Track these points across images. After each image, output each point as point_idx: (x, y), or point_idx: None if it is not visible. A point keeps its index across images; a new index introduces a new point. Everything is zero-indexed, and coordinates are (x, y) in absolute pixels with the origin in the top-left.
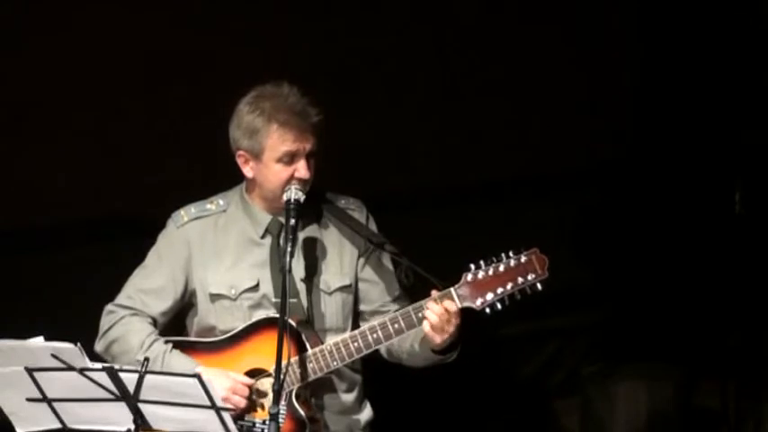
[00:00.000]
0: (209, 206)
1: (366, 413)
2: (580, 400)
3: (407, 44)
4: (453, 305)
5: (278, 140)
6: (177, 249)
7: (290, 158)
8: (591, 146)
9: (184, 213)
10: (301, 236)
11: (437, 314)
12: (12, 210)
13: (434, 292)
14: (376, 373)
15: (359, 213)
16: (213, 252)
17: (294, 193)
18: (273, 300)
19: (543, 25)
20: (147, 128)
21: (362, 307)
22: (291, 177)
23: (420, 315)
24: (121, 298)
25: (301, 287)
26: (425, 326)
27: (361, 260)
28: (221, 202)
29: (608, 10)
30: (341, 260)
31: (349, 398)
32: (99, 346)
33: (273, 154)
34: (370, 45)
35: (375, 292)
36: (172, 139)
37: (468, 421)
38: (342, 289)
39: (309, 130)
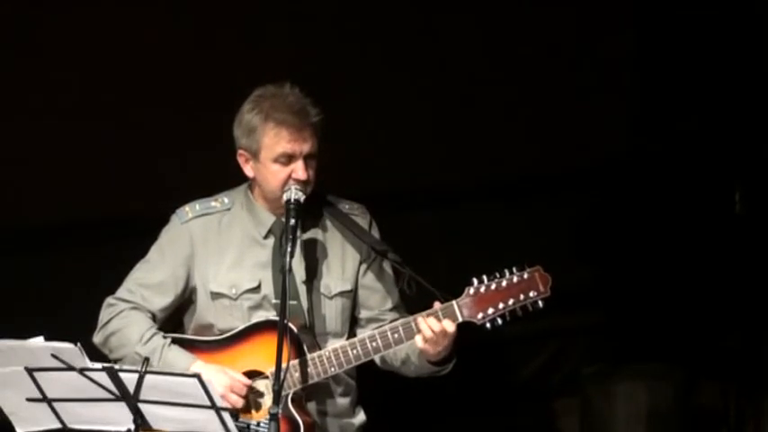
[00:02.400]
0: (213, 203)
1: (360, 417)
2: (580, 400)
3: (408, 44)
4: (452, 326)
5: (273, 139)
6: (180, 245)
7: (286, 159)
8: (591, 146)
9: (189, 210)
10: (304, 238)
11: (435, 330)
12: (12, 210)
13: (437, 305)
14: (370, 376)
15: (362, 219)
16: (216, 250)
17: (294, 194)
18: (274, 301)
19: (543, 26)
20: (148, 128)
21: (360, 313)
22: (289, 178)
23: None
24: (122, 291)
25: (302, 289)
26: (418, 340)
27: (363, 266)
28: (226, 200)
29: (608, 9)
30: (343, 265)
31: (344, 402)
32: (97, 338)
33: (270, 153)
34: (370, 45)
35: (374, 299)
36: (173, 139)
37: (467, 421)
38: (343, 294)
39: (308, 130)
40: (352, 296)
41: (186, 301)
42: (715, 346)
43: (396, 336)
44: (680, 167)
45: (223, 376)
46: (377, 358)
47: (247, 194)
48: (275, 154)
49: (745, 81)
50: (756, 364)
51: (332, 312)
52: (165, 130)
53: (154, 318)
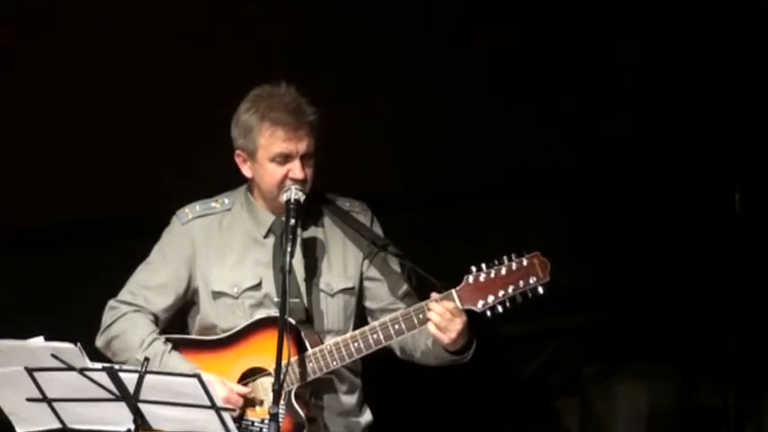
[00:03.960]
0: (214, 204)
1: (366, 416)
2: (580, 400)
3: (408, 44)
4: (452, 303)
5: (269, 139)
6: (181, 246)
7: (283, 158)
8: (591, 146)
9: (189, 211)
10: (305, 236)
11: (439, 314)
12: (12, 210)
13: (434, 294)
14: (375, 376)
15: (363, 216)
16: (217, 250)
17: (294, 193)
18: (275, 299)
19: (543, 26)
20: (148, 128)
21: (372, 305)
22: (286, 177)
23: (421, 316)
24: (124, 294)
25: (303, 288)
26: (430, 327)
27: (366, 262)
28: (226, 200)
29: (608, 10)
30: (344, 262)
31: (350, 400)
32: (100, 342)
33: (266, 153)
34: (370, 45)
35: (383, 289)
36: (173, 139)
37: (468, 421)
38: (344, 291)
39: (304, 129)
40: (355, 293)
41: (189, 302)
42: (715, 347)
43: (396, 327)
44: (680, 167)
45: (221, 387)
46: (396, 348)
47: (247, 195)
48: (271, 154)
49: (745, 81)
50: (756, 365)
51: (334, 310)
52: (167, 131)
53: (156, 319)
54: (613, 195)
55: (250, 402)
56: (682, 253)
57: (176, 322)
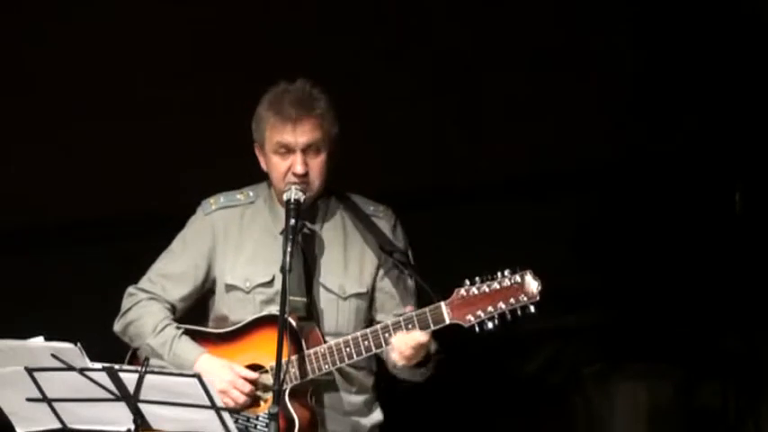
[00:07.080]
0: (238, 197)
1: (373, 417)
2: (580, 400)
3: (408, 44)
4: (424, 337)
5: (272, 129)
6: (202, 237)
7: (284, 150)
8: (591, 146)
9: (213, 201)
10: (324, 235)
11: (408, 344)
12: (12, 210)
13: (409, 308)
14: (384, 376)
15: (386, 221)
16: (235, 243)
17: (294, 193)
18: (288, 297)
19: (543, 26)
20: (151, 127)
21: (377, 316)
22: (288, 171)
23: (410, 327)
24: (144, 281)
25: (316, 288)
26: (392, 353)
27: (382, 271)
28: (251, 193)
29: (608, 10)
30: (361, 267)
31: (357, 400)
32: (117, 327)
33: (270, 144)
34: (370, 45)
35: (391, 303)
36: (176, 138)
37: (468, 421)
38: (357, 296)
39: (307, 121)
40: (368, 299)
41: (208, 291)
42: (715, 346)
43: (386, 335)
44: (680, 168)
45: (228, 372)
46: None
47: (270, 190)
48: (273, 144)
49: (745, 81)
50: (755, 364)
51: (344, 313)
52: (171, 130)
53: (173, 308)
54: (613, 195)
55: (247, 398)
56: (681, 253)
57: (197, 309)
